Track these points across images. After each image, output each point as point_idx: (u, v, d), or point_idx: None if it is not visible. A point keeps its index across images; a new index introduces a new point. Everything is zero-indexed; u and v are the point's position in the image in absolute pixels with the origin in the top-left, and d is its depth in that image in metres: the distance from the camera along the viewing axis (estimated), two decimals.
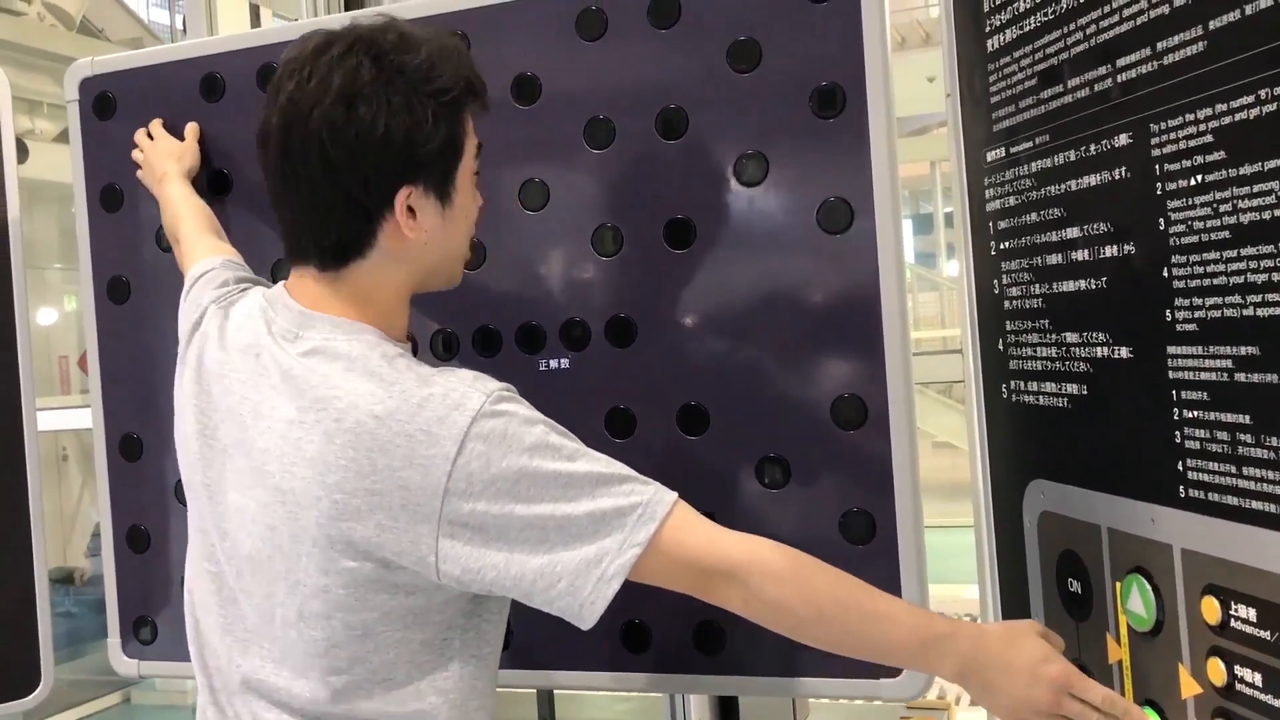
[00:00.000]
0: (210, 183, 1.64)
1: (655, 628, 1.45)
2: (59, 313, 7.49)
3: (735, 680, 1.45)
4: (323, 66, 1.05)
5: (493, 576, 1.03)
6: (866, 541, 1.36)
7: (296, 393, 1.07)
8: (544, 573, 1.02)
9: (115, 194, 1.72)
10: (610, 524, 1.02)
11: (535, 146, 1.50)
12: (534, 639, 1.50)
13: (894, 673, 1.34)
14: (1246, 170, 0.84)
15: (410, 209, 1.08)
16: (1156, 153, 0.93)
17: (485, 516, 1.02)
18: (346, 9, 2.50)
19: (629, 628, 1.46)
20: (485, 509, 1.01)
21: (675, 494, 1.06)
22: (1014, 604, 1.25)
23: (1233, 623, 0.91)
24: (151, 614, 1.72)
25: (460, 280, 1.21)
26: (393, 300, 1.13)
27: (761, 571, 1.04)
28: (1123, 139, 0.97)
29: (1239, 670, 0.91)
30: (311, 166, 1.06)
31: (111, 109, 1.71)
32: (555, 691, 2.37)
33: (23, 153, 1.94)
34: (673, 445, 1.44)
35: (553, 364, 1.49)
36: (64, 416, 2.61)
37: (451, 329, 1.54)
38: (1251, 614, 0.89)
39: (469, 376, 1.06)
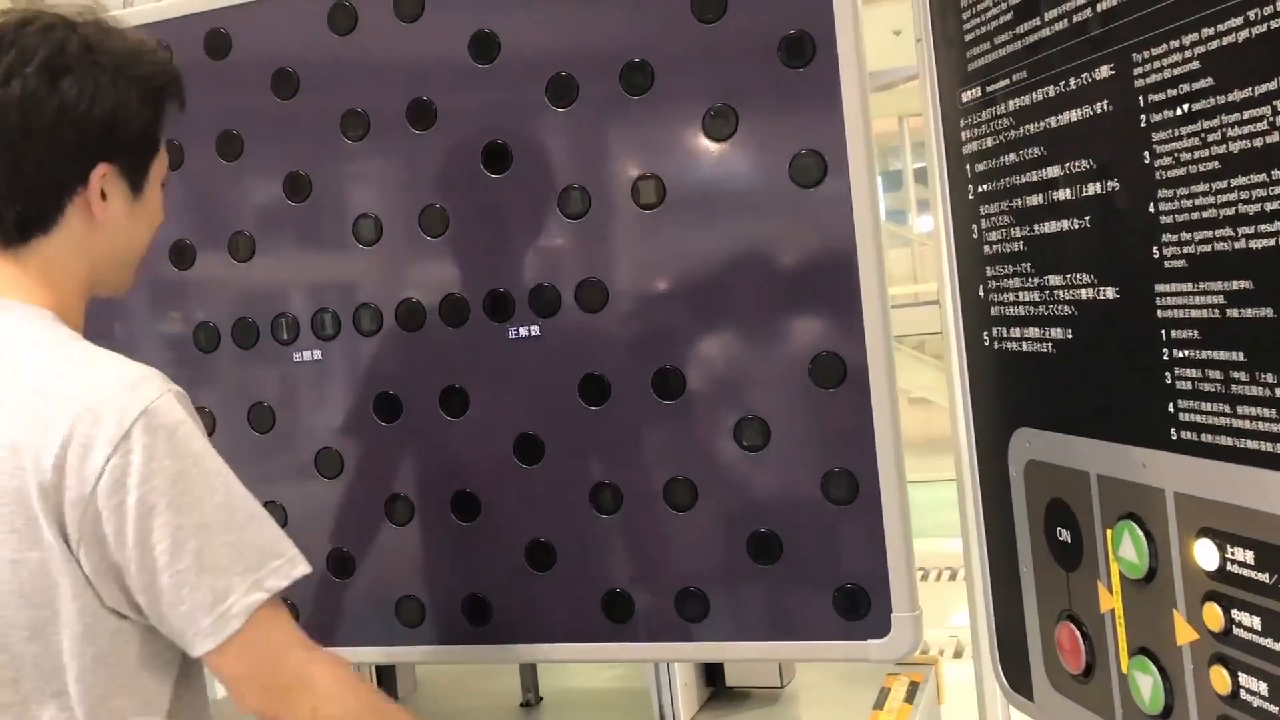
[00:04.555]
0: None
1: (637, 596, 1.43)
2: None
3: (720, 646, 1.43)
4: (26, 37, 1.05)
5: (117, 583, 0.98)
6: (849, 501, 1.33)
7: None
8: (171, 588, 0.97)
9: None
10: (249, 560, 1.00)
11: (496, 107, 1.45)
12: (513, 612, 1.46)
13: (881, 632, 1.32)
14: (1236, 96, 0.80)
15: (104, 191, 1.07)
16: (1140, 83, 0.89)
17: (133, 512, 0.96)
18: None
19: (610, 597, 1.43)
20: (135, 503, 0.96)
21: (308, 567, 1.04)
22: (1001, 556, 1.23)
23: (1229, 566, 0.89)
24: None
25: (127, 287, 1.17)
26: (70, 289, 1.09)
27: (336, 684, 1.04)
28: (1104, 71, 0.94)
29: (1237, 615, 0.89)
30: (7, 133, 1.03)
31: None
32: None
33: None
34: (648, 410, 1.40)
35: (523, 332, 1.45)
36: None
37: (417, 298, 1.49)
38: (1249, 557, 0.87)
39: (148, 369, 1.03)
